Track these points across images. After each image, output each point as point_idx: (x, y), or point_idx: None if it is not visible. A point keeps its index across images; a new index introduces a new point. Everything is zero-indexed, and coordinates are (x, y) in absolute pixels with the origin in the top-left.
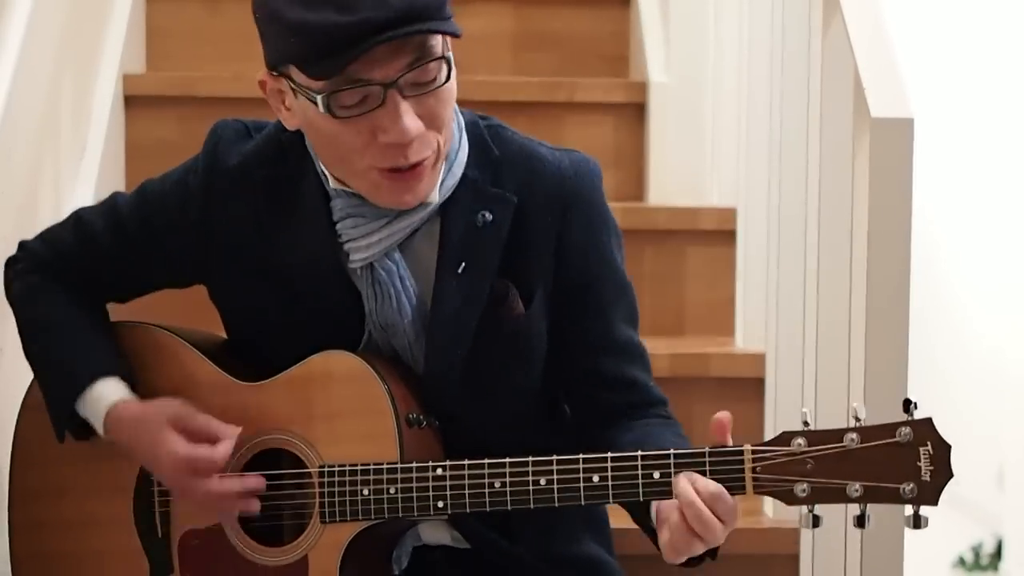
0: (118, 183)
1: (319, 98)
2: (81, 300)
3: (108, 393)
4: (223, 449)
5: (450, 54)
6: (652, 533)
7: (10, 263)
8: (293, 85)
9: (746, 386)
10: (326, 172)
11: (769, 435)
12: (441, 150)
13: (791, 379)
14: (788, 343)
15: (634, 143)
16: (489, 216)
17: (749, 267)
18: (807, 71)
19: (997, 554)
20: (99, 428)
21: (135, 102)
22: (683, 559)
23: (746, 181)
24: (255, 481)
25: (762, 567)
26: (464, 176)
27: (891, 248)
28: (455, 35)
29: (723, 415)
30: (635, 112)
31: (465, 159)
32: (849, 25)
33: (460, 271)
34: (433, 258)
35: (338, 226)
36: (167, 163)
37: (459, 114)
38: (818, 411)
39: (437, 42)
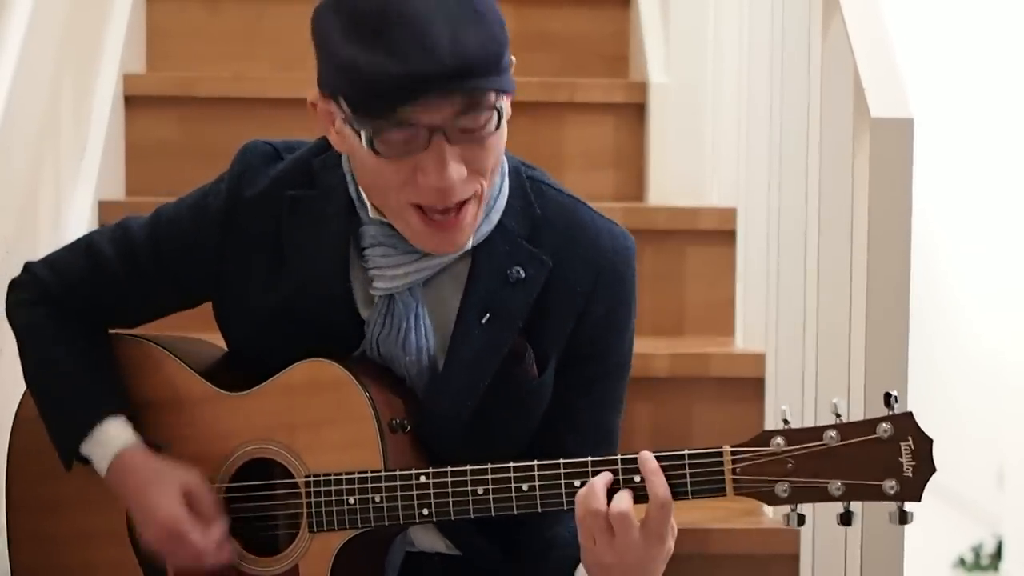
0: (118, 183)
1: (363, 133)
2: (87, 335)
3: (115, 436)
4: (212, 542)
5: (502, 104)
6: None
7: (14, 286)
8: (342, 113)
9: (746, 386)
10: (364, 199)
11: None
12: (484, 194)
13: (791, 379)
14: (788, 343)
15: (634, 143)
16: (522, 273)
17: (749, 267)
18: (807, 71)
19: (997, 554)
20: (102, 469)
21: (135, 102)
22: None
23: (746, 181)
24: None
25: (762, 567)
26: (501, 225)
27: (891, 248)
28: (507, 92)
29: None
30: (635, 112)
31: (503, 207)
32: (849, 25)
33: (483, 321)
34: (454, 300)
35: (366, 252)
36: (167, 163)
37: (504, 159)
38: (818, 411)
39: (509, 84)
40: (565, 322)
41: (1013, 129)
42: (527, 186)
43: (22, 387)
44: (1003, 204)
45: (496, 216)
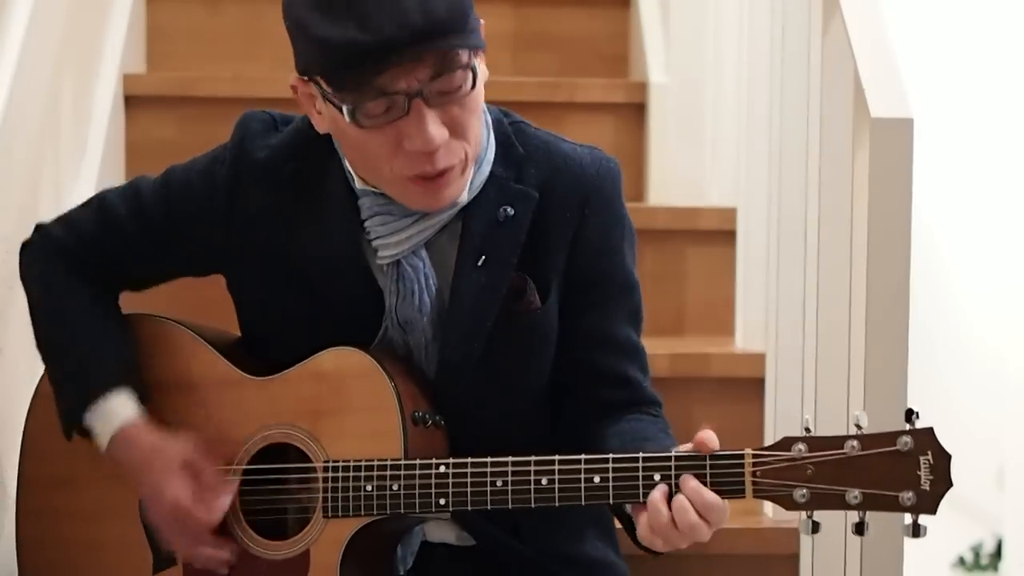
0: (118, 183)
1: (345, 108)
2: (99, 295)
3: (119, 411)
4: (217, 515)
5: (476, 62)
6: (620, 513)
7: (26, 246)
8: (322, 91)
9: (746, 386)
10: (352, 171)
11: (768, 435)
12: (469, 157)
13: (791, 379)
14: (788, 343)
15: (634, 143)
16: (511, 211)
17: (749, 267)
18: (807, 71)
19: (997, 554)
20: (103, 442)
21: (135, 102)
22: (660, 546)
23: (746, 181)
24: (225, 554)
25: (762, 567)
26: (490, 174)
27: (891, 248)
28: (476, 48)
29: (709, 438)
30: (635, 112)
31: (492, 158)
32: (849, 25)
33: (480, 264)
34: (454, 253)
35: (366, 224)
36: (167, 163)
37: (486, 112)
38: (818, 411)
39: (463, 52)
40: (561, 249)
41: (1013, 129)
42: (509, 131)
43: (22, 387)
44: (1003, 204)
45: (487, 168)
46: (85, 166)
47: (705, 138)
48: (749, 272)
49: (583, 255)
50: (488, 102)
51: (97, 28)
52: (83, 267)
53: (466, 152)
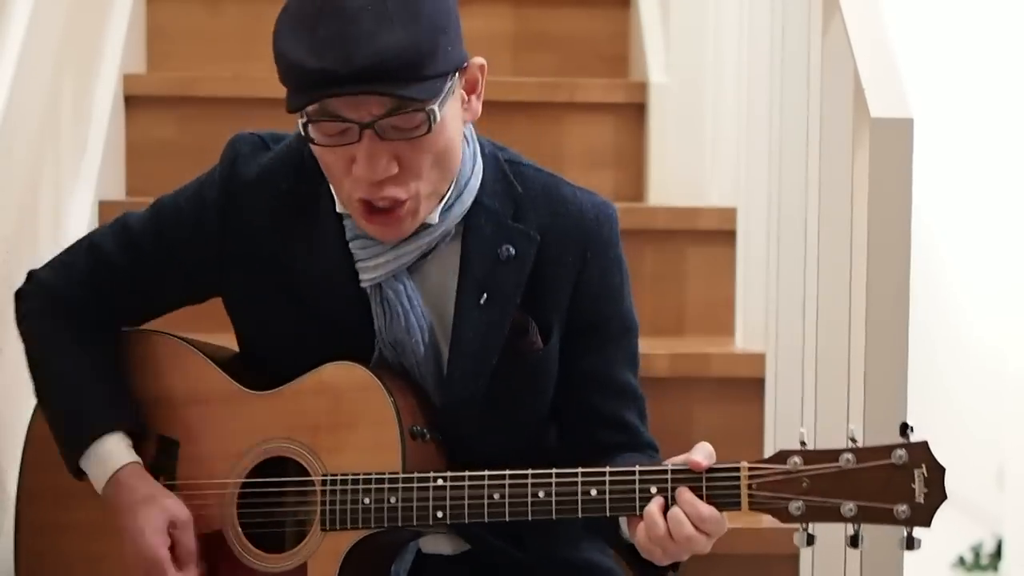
0: (118, 183)
1: (299, 122)
2: (92, 337)
3: (112, 455)
4: None
5: (434, 107)
6: (618, 543)
7: (20, 295)
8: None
9: (746, 386)
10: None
11: (768, 435)
12: (421, 195)
13: (791, 379)
14: (788, 343)
15: (634, 143)
16: (512, 250)
17: (749, 267)
18: (807, 71)
19: (997, 554)
20: (99, 486)
21: (135, 102)
22: (660, 557)
23: (746, 181)
24: None
25: (762, 567)
26: (484, 206)
27: (891, 248)
28: (418, 101)
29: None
30: (635, 112)
31: (478, 186)
32: (849, 25)
33: (482, 302)
34: (449, 283)
35: (350, 245)
36: (167, 163)
37: (476, 141)
38: (818, 411)
39: (424, 93)
40: (562, 292)
41: (1013, 129)
42: (506, 169)
43: (22, 386)
44: (1003, 204)
45: (469, 197)
46: (85, 166)
47: (705, 138)
48: (749, 272)
49: (583, 299)
50: (488, 103)
51: (97, 28)
52: (76, 310)
53: (418, 190)
